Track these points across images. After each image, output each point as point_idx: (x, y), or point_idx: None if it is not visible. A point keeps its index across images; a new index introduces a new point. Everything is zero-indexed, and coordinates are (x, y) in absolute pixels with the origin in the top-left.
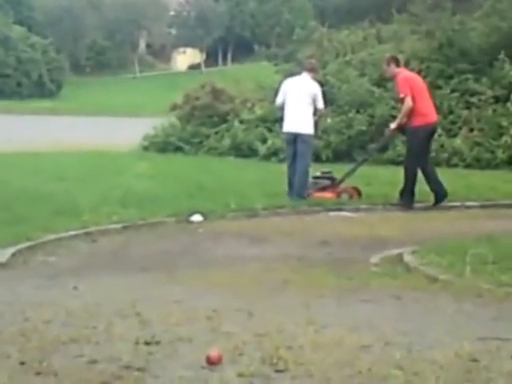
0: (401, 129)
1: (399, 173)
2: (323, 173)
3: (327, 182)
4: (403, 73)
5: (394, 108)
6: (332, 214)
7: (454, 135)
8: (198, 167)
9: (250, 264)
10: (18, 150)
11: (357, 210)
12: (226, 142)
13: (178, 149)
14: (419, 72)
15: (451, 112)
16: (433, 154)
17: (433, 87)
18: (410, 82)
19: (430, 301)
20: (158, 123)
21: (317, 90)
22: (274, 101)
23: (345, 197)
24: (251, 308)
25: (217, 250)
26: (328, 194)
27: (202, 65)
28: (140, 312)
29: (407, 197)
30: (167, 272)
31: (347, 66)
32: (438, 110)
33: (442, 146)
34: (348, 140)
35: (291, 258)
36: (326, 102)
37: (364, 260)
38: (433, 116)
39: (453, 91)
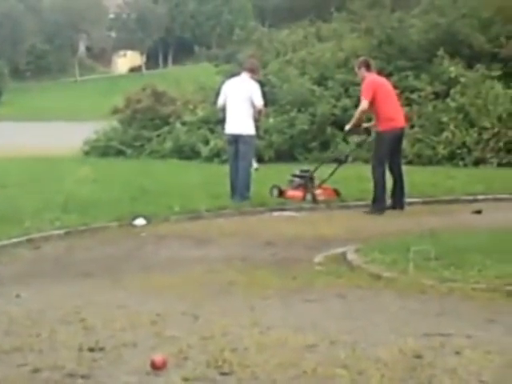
0: (355, 130)
1: (341, 171)
2: (301, 171)
3: (300, 181)
4: (370, 77)
5: (334, 107)
6: (276, 214)
7: None
8: (140, 170)
9: (194, 266)
10: None
11: (300, 209)
12: (168, 144)
13: (120, 152)
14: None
15: None
16: None
17: None
18: (374, 87)
19: (374, 298)
20: (99, 127)
21: (254, 88)
22: (215, 102)
23: (308, 197)
24: (196, 311)
25: (161, 253)
26: (298, 194)
27: (143, 67)
28: (84, 318)
29: (379, 202)
30: (111, 277)
31: (288, 66)
32: None
33: None
34: (290, 139)
35: (235, 259)
36: (267, 101)
37: (308, 259)
38: (399, 121)
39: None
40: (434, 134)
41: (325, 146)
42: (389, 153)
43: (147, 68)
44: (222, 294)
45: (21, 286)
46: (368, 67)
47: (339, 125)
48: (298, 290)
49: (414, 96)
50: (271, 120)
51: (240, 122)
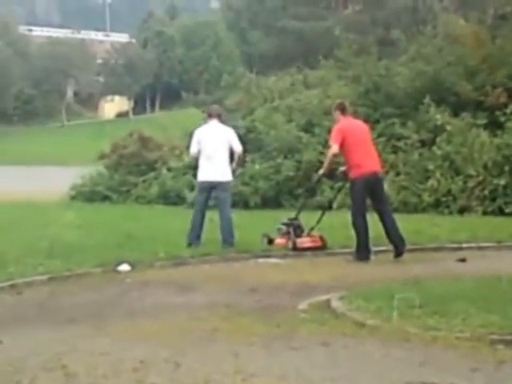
0: (330, 175)
1: (327, 218)
2: (289, 219)
3: (287, 229)
4: (342, 122)
5: (321, 153)
6: (260, 260)
7: None
8: (125, 216)
9: (178, 313)
10: None
11: (285, 256)
12: (154, 189)
13: (106, 198)
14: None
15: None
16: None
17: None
18: (343, 133)
19: (358, 346)
20: (85, 172)
21: (231, 133)
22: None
23: (289, 245)
24: (179, 358)
25: (145, 299)
26: (284, 242)
27: (130, 112)
28: (66, 365)
29: (363, 251)
30: (95, 323)
31: (275, 112)
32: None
33: None
34: (276, 186)
35: (220, 305)
36: (246, 147)
37: (292, 307)
38: (369, 166)
39: (379, 136)
40: (419, 181)
41: (311, 191)
42: (363, 200)
43: (134, 113)
44: (206, 341)
45: (2, 331)
46: (343, 111)
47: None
48: (282, 338)
49: (401, 144)
50: (257, 166)
51: (219, 168)
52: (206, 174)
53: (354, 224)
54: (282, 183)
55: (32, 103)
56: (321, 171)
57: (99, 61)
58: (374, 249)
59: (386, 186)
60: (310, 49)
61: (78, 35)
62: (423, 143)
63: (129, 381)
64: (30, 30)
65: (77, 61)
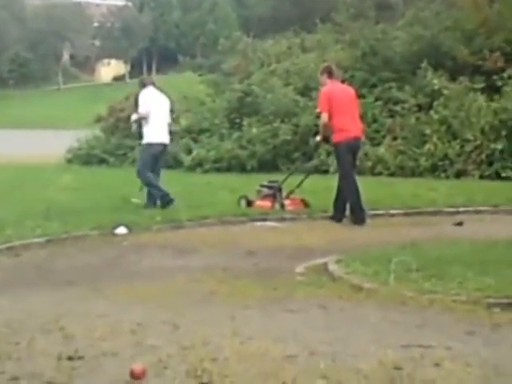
0: (326, 139)
1: (323, 181)
2: (270, 182)
3: (269, 191)
4: (329, 86)
5: (318, 117)
6: (258, 224)
7: (378, 144)
8: (122, 179)
9: (175, 276)
10: None
11: (282, 219)
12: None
13: (103, 161)
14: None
15: (375, 121)
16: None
17: (357, 96)
18: (329, 97)
19: (355, 309)
20: (82, 135)
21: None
22: (198, 111)
23: (277, 207)
24: (177, 320)
25: (142, 262)
26: (267, 203)
27: (127, 76)
28: (63, 327)
29: (357, 213)
30: (92, 286)
31: (272, 76)
32: (362, 118)
33: (365, 154)
34: (273, 150)
35: (217, 268)
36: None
37: (289, 270)
38: (352, 131)
39: (376, 100)
40: (416, 145)
41: (309, 157)
42: (349, 161)
43: (131, 77)
44: (203, 303)
45: (0, 293)
46: (330, 74)
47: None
48: (278, 300)
49: (398, 108)
50: (254, 130)
51: (167, 132)
52: (161, 135)
53: (344, 188)
54: (279, 147)
55: (28, 66)
56: (318, 137)
57: (95, 24)
58: (372, 212)
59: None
60: (307, 12)
61: None
62: (420, 107)
63: (127, 343)
64: None
65: (73, 24)
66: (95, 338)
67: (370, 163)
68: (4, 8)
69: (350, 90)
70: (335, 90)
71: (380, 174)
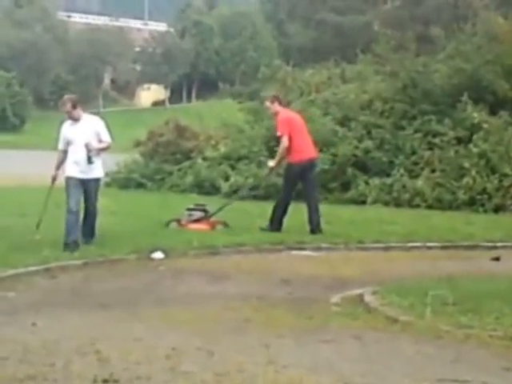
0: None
1: (361, 212)
2: (197, 205)
3: (201, 214)
4: (284, 112)
5: (356, 148)
6: (294, 252)
7: (416, 176)
8: (160, 204)
9: (210, 302)
10: None
11: (318, 249)
12: (189, 179)
13: (141, 185)
14: (383, 112)
15: (414, 153)
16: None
17: (396, 128)
18: (289, 122)
19: (390, 342)
20: (120, 159)
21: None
22: (237, 139)
23: (220, 227)
24: (211, 347)
25: (178, 287)
26: (203, 226)
27: (167, 101)
28: (99, 350)
29: (275, 224)
30: (127, 309)
31: (311, 105)
32: (401, 150)
33: (404, 186)
34: None
35: (252, 296)
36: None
37: (325, 300)
38: (308, 152)
39: (416, 132)
40: (454, 178)
41: (345, 186)
42: (295, 184)
43: (171, 102)
44: (238, 330)
45: (37, 314)
46: (280, 102)
47: (360, 166)
48: (313, 330)
49: (437, 140)
50: None
51: None
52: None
53: (280, 201)
54: (317, 176)
55: (69, 89)
56: (272, 163)
57: (137, 49)
58: (409, 245)
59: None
60: (348, 43)
61: (116, 23)
62: (459, 140)
63: (162, 368)
64: (69, 17)
65: (115, 48)
66: (130, 362)
67: (407, 195)
68: (47, 30)
69: (299, 115)
70: (291, 115)
71: (418, 206)
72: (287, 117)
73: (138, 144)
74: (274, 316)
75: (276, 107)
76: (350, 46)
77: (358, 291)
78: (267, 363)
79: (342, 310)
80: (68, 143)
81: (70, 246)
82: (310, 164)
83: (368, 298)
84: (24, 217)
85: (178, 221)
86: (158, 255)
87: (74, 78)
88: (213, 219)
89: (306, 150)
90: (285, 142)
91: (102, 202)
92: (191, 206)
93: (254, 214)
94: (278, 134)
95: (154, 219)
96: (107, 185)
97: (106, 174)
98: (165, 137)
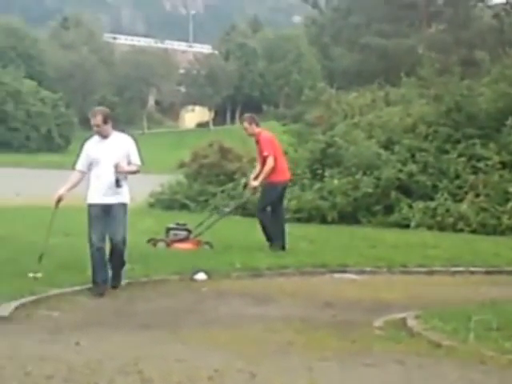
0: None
1: (404, 236)
2: (178, 224)
3: (185, 234)
4: (265, 133)
5: (400, 171)
6: (336, 275)
7: (460, 200)
8: (225, 226)
9: (253, 324)
10: (26, 204)
11: (361, 272)
12: (233, 200)
13: (184, 206)
14: (427, 136)
15: (458, 177)
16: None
17: (440, 151)
18: (272, 143)
19: (434, 367)
20: (164, 180)
21: None
22: None
23: (206, 247)
24: (253, 369)
25: (220, 309)
26: (188, 245)
27: (211, 123)
28: (142, 370)
29: (276, 238)
30: (170, 330)
31: (355, 128)
32: (445, 174)
33: (447, 210)
34: (354, 202)
35: (295, 319)
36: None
37: (367, 323)
38: (288, 173)
39: (460, 156)
40: (499, 203)
41: (389, 209)
42: (274, 202)
43: (214, 124)
44: (280, 353)
45: (80, 333)
46: (257, 123)
47: (404, 189)
48: (356, 354)
49: (481, 164)
50: (336, 181)
51: None
52: None
53: (262, 221)
54: (360, 199)
55: (114, 110)
56: (255, 183)
57: (181, 71)
58: (453, 269)
59: None
60: (392, 66)
61: (161, 45)
62: (504, 165)
63: None
64: (115, 38)
65: (159, 70)
66: (173, 382)
67: (451, 219)
68: (94, 52)
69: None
70: (272, 136)
71: (461, 230)
72: (270, 137)
73: (182, 165)
74: (316, 339)
75: (255, 128)
76: (394, 69)
77: (400, 315)
78: None
79: (384, 334)
80: (91, 163)
81: (99, 286)
82: (287, 184)
83: (411, 323)
84: (68, 236)
85: (162, 241)
86: (201, 276)
87: (119, 99)
88: (198, 239)
89: (286, 171)
90: (271, 162)
91: (146, 222)
92: (172, 225)
93: (297, 236)
94: (265, 154)
95: (217, 241)
96: (150, 205)
97: (151, 195)
98: (209, 158)
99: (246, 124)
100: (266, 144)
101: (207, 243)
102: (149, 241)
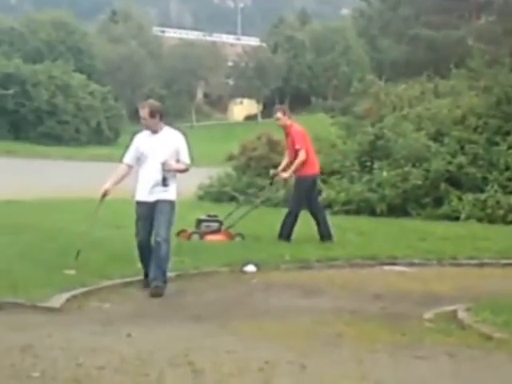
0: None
1: (454, 228)
2: (209, 216)
3: (217, 225)
4: (297, 126)
5: (449, 163)
6: (386, 267)
7: (511, 192)
8: (252, 217)
9: (302, 316)
10: (77, 196)
11: (411, 264)
12: (281, 193)
13: (233, 199)
14: (476, 128)
15: (508, 168)
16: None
17: (490, 143)
18: (304, 136)
19: (485, 359)
20: (213, 173)
21: None
22: (329, 153)
23: (238, 239)
24: (304, 361)
25: (270, 300)
26: (220, 237)
27: (259, 115)
28: (192, 361)
29: (285, 233)
30: (220, 322)
31: (404, 120)
32: (495, 166)
33: (497, 202)
34: (403, 194)
35: (344, 311)
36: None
37: (417, 315)
38: (317, 166)
39: (510, 147)
40: None
41: (438, 202)
42: (306, 196)
43: (263, 116)
44: (330, 345)
45: (131, 325)
46: (289, 116)
47: (454, 182)
48: (406, 346)
49: None
50: (385, 173)
51: None
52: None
53: (291, 213)
54: (410, 191)
55: (162, 103)
56: (285, 175)
57: (230, 63)
58: (503, 261)
59: None
60: (442, 58)
61: (209, 38)
62: None
63: (254, 380)
64: (163, 32)
65: (208, 63)
66: (224, 374)
67: (502, 211)
68: (142, 45)
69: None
70: (302, 129)
71: None
72: (301, 131)
73: (230, 158)
74: (366, 331)
75: (285, 120)
76: (443, 60)
77: (451, 308)
78: (360, 378)
79: (435, 327)
80: (139, 158)
81: (158, 287)
82: (317, 177)
83: (461, 315)
84: (119, 228)
85: (195, 233)
86: (251, 268)
87: (168, 92)
88: (229, 230)
89: (317, 164)
90: (303, 155)
91: (196, 214)
92: (203, 217)
93: (347, 229)
94: (297, 147)
95: (247, 232)
96: (199, 198)
97: (200, 187)
98: (257, 151)
99: (279, 114)
100: (298, 137)
101: (239, 234)
102: (178, 233)
